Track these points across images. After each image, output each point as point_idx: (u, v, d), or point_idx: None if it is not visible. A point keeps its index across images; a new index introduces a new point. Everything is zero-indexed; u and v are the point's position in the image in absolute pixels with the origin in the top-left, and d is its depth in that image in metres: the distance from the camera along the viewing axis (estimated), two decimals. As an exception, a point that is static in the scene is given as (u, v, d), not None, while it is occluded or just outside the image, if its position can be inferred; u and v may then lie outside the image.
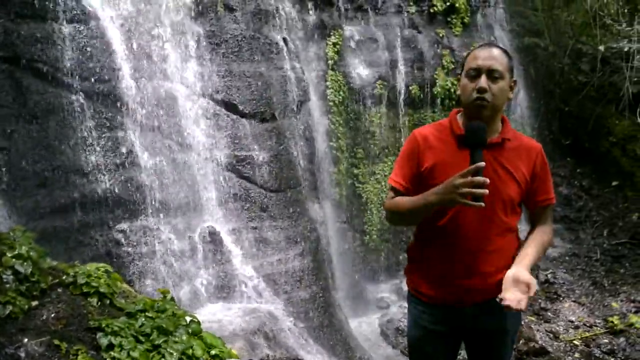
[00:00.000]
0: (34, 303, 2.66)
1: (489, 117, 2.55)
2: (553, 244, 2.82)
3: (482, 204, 2.32)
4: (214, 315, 5.14)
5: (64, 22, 4.79)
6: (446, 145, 2.64)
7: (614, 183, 9.46)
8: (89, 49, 4.88)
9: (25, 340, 2.48)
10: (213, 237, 5.54)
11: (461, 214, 2.56)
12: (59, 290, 2.79)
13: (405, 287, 2.99)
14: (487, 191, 2.29)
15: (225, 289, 5.48)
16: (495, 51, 2.56)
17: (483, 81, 2.49)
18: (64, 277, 2.89)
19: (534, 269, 7.65)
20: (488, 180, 2.30)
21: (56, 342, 2.49)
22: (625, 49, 8.78)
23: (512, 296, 2.38)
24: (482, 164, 2.31)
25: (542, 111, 10.11)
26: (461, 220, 2.57)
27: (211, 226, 5.58)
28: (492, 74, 2.49)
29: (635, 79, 8.70)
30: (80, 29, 4.87)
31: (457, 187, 2.32)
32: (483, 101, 2.50)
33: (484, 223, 2.56)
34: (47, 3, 4.70)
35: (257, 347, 4.68)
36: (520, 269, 2.46)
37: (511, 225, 2.65)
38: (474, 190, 2.29)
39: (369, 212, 7.71)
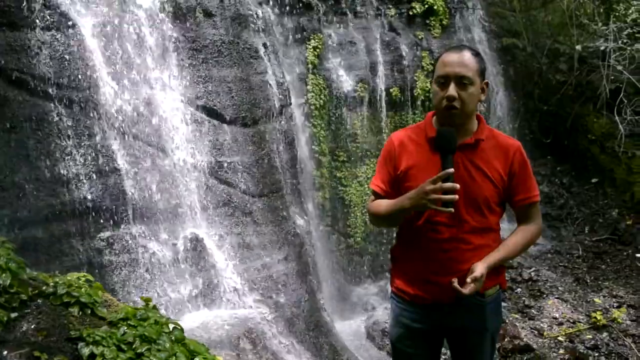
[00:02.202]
0: (14, 315, 2.62)
1: (461, 123, 2.58)
2: (535, 241, 2.87)
3: (452, 210, 2.40)
4: (199, 322, 5.12)
5: (41, 30, 4.74)
6: (420, 148, 2.68)
7: (594, 180, 9.58)
8: (66, 56, 4.84)
9: (5, 352, 2.45)
10: (196, 244, 5.51)
11: (435, 216, 2.61)
12: (39, 301, 2.76)
13: (390, 289, 3.04)
14: (456, 197, 2.37)
15: (209, 296, 5.45)
16: (465, 55, 2.56)
17: (452, 90, 2.51)
18: (44, 288, 2.86)
19: (517, 267, 7.75)
20: (458, 186, 2.37)
21: (36, 353, 2.46)
22: (602, 48, 8.89)
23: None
24: (452, 170, 2.38)
25: (521, 111, 10.21)
26: (435, 220, 2.61)
27: (194, 233, 5.55)
28: (462, 81, 2.51)
29: (612, 77, 8.82)
30: (57, 37, 4.83)
31: (427, 193, 2.38)
32: (452, 109, 2.53)
33: (457, 223, 2.61)
34: (23, 11, 4.65)
35: (242, 352, 4.67)
36: (478, 264, 2.58)
37: (489, 224, 2.68)
38: (443, 196, 2.35)
39: (352, 214, 7.72)
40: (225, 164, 5.79)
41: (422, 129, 2.74)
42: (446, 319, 2.77)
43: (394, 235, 3.01)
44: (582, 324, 6.45)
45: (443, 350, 3.09)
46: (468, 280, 2.51)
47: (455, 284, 2.53)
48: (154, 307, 3.11)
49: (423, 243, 2.68)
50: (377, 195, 2.80)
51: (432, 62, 8.11)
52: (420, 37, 8.36)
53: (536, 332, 6.37)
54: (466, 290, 2.50)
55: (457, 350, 2.95)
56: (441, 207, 2.38)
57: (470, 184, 2.57)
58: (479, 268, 2.54)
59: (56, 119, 4.76)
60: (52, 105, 4.76)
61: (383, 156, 2.82)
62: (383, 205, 2.70)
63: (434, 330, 2.85)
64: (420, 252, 2.71)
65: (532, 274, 7.64)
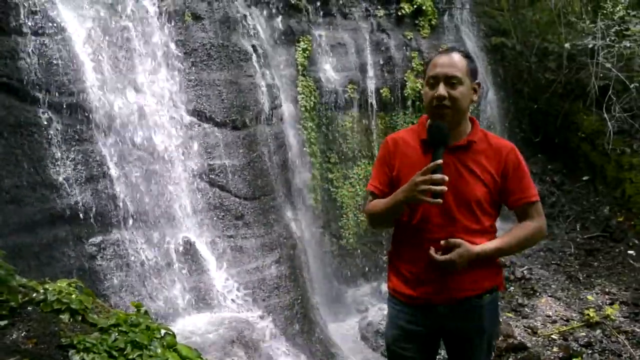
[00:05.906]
0: (3, 322, 2.60)
1: (452, 122, 2.60)
2: (536, 238, 2.83)
3: (440, 201, 2.43)
4: (192, 327, 5.10)
5: (29, 36, 4.72)
6: (413, 150, 2.71)
7: (585, 177, 9.61)
8: (55, 62, 4.82)
9: (-5, 361, 2.43)
10: (188, 248, 5.50)
11: (429, 216, 2.61)
12: (30, 308, 2.73)
13: (383, 289, 3.03)
14: (445, 188, 2.40)
15: (202, 299, 5.44)
16: (455, 57, 2.61)
17: (441, 89, 2.56)
18: (34, 295, 2.83)
19: (510, 266, 7.76)
20: (446, 178, 2.40)
21: (27, 361, 2.44)
22: (590, 46, 8.94)
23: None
24: (440, 161, 2.42)
25: (512, 110, 10.25)
26: (428, 221, 2.62)
27: (186, 237, 5.54)
28: (450, 81, 2.57)
29: (601, 75, 8.86)
30: (46, 42, 4.81)
31: (417, 184, 2.41)
32: (442, 109, 2.58)
33: (449, 224, 2.61)
34: (11, 17, 4.63)
35: (235, 356, 4.65)
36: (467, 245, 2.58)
37: (482, 226, 2.66)
38: (432, 187, 2.38)
39: (344, 215, 7.72)
40: (217, 167, 5.78)
41: (416, 131, 2.77)
42: (442, 320, 2.75)
43: (385, 235, 3.01)
44: (575, 322, 6.46)
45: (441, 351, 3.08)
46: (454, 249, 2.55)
47: (432, 251, 2.56)
48: (146, 312, 3.09)
49: (417, 243, 2.68)
50: (375, 196, 2.82)
51: (422, 62, 8.14)
52: (409, 37, 8.38)
53: (530, 330, 6.37)
54: (441, 257, 2.55)
55: (453, 352, 2.93)
56: (430, 199, 2.41)
57: (462, 185, 2.58)
58: (463, 242, 2.57)
59: (45, 124, 4.74)
60: (41, 111, 4.73)
61: (379, 157, 2.85)
62: (380, 203, 2.73)
63: (430, 332, 2.82)
64: (414, 252, 2.71)
65: (525, 272, 7.66)
